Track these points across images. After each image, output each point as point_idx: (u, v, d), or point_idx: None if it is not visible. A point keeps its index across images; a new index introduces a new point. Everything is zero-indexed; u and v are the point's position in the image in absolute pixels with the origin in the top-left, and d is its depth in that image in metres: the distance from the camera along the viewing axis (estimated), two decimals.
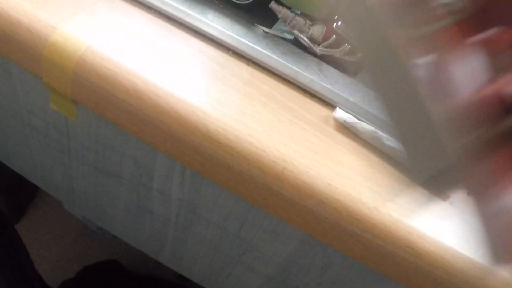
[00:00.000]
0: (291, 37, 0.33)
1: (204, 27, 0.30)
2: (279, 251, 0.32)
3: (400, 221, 0.28)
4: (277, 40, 0.32)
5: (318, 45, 0.32)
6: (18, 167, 0.43)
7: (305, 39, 0.32)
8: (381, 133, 0.30)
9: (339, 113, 0.30)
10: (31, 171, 0.42)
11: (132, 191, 0.35)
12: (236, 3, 0.33)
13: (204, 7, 0.32)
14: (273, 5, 0.32)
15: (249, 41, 0.30)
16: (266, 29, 0.32)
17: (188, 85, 0.28)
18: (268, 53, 0.30)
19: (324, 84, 0.30)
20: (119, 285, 0.70)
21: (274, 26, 0.33)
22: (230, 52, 0.31)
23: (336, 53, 0.32)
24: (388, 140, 0.30)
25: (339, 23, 0.32)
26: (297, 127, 0.28)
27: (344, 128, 0.30)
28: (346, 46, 0.32)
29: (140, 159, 0.32)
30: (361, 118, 0.30)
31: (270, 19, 0.34)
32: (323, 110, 0.30)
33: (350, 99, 0.30)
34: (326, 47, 0.32)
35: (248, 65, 0.30)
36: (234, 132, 0.27)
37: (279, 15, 0.32)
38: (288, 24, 0.32)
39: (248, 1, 0.33)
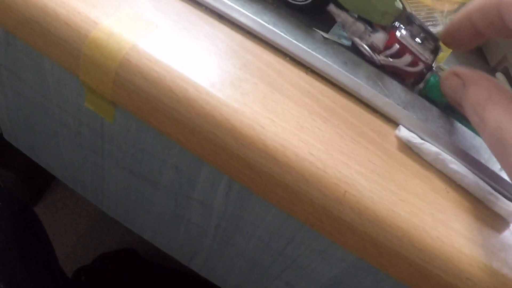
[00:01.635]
0: (349, 43, 0.31)
1: (261, 30, 0.28)
2: (325, 271, 0.31)
3: (462, 252, 0.26)
4: (336, 47, 0.29)
5: (379, 53, 0.30)
6: (45, 163, 0.41)
7: (365, 46, 0.29)
8: (445, 155, 0.28)
9: (403, 132, 0.27)
10: (58, 168, 0.40)
11: (169, 198, 0.33)
12: (292, 3, 0.30)
13: (259, 7, 0.29)
14: (332, 8, 0.29)
15: (308, 48, 0.28)
16: (325, 35, 0.30)
17: (244, 94, 0.26)
18: (329, 62, 0.28)
19: (387, 100, 0.28)
20: (135, 274, 0.69)
21: (331, 30, 0.31)
22: (287, 58, 0.28)
23: (398, 63, 0.30)
24: (453, 163, 0.28)
25: (403, 31, 0.30)
26: (359, 145, 0.26)
27: (406, 148, 0.28)
28: (408, 57, 0.29)
29: (182, 167, 0.30)
30: (425, 138, 0.28)
31: (326, 22, 0.31)
32: (384, 127, 0.28)
33: (414, 116, 0.28)
34: (387, 56, 0.30)
35: (307, 74, 0.28)
36: (293, 149, 0.25)
37: (338, 19, 0.30)
38: (348, 29, 0.30)
39: (306, 2, 0.30)
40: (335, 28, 0.31)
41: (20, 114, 0.38)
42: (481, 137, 0.26)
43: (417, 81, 0.32)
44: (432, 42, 0.31)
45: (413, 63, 0.30)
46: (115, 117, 0.31)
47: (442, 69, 0.33)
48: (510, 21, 0.24)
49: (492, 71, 0.40)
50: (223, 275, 0.38)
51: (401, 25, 0.30)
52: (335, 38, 0.30)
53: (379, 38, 0.30)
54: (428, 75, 0.30)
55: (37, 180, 0.79)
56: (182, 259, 0.39)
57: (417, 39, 0.30)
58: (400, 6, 0.29)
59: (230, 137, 0.25)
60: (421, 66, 0.30)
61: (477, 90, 0.25)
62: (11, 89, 0.36)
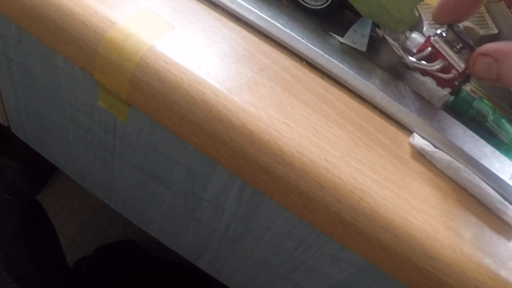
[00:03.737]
0: (363, 49, 0.31)
1: (278, 33, 0.28)
2: (334, 274, 0.31)
3: (472, 261, 0.26)
4: (352, 53, 0.29)
5: (411, 56, 0.29)
6: (53, 158, 0.41)
7: (398, 46, 0.29)
8: (457, 164, 0.28)
9: (417, 140, 0.28)
10: (67, 164, 0.40)
11: (180, 198, 0.33)
12: (308, 7, 0.30)
13: (275, 10, 0.29)
14: None
15: (325, 52, 0.28)
16: (341, 39, 0.30)
17: (261, 99, 0.26)
18: (345, 67, 0.28)
19: (402, 107, 0.28)
20: (135, 265, 0.69)
21: (346, 35, 0.31)
22: (304, 62, 0.28)
23: (429, 67, 0.29)
24: (464, 172, 0.28)
25: (438, 37, 0.29)
26: (374, 152, 0.26)
27: (419, 156, 0.28)
28: (440, 62, 0.29)
29: (195, 169, 0.30)
30: (438, 146, 0.28)
31: (342, 26, 0.31)
32: (398, 134, 0.28)
33: (428, 124, 0.28)
34: (419, 59, 0.29)
35: (323, 79, 0.28)
36: (309, 155, 0.25)
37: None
38: (384, 29, 0.29)
39: (322, 6, 0.30)
40: (350, 32, 0.31)
41: (29, 109, 0.38)
42: None
43: (454, 92, 0.31)
44: (470, 52, 0.30)
45: (445, 70, 0.29)
46: (129, 116, 0.31)
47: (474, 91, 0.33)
48: None
49: None
50: (230, 273, 0.38)
51: (439, 31, 0.30)
52: (350, 43, 0.30)
53: (414, 40, 0.29)
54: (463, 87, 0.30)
55: (38, 170, 0.78)
56: (189, 256, 0.40)
57: (454, 48, 0.30)
58: (416, 15, 0.29)
59: (246, 142, 0.25)
60: (453, 74, 0.29)
61: None
62: (21, 84, 0.36)
